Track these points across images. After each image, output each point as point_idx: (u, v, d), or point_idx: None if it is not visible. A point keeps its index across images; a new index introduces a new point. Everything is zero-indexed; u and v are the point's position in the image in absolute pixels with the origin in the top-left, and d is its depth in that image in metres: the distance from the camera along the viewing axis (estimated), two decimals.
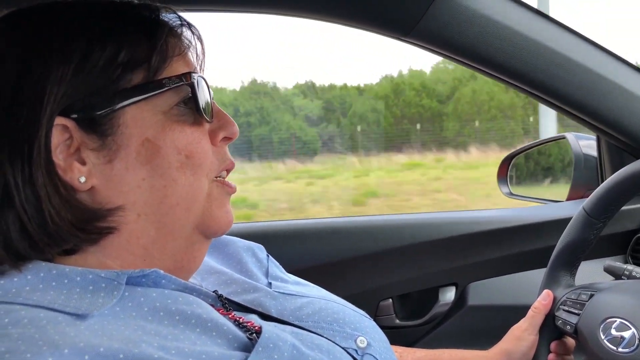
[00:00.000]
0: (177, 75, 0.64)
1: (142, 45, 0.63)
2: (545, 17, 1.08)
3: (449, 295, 1.45)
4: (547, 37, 1.07)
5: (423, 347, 1.40)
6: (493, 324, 1.29)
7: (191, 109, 0.66)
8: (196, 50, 0.72)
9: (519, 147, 1.88)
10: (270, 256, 0.92)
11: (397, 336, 1.44)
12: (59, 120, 0.58)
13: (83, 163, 0.60)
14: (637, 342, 0.77)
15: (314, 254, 1.40)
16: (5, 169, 0.57)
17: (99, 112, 0.60)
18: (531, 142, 1.83)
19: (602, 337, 0.81)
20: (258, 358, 0.56)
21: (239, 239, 0.93)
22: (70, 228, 0.58)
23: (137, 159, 0.62)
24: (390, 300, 1.44)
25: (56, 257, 0.61)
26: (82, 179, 0.60)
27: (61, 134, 0.59)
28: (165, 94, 0.63)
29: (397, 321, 1.44)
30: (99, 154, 0.61)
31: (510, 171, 1.90)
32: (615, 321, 0.81)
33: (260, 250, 0.92)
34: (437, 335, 1.43)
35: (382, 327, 1.40)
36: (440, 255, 1.43)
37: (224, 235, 0.91)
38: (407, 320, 1.45)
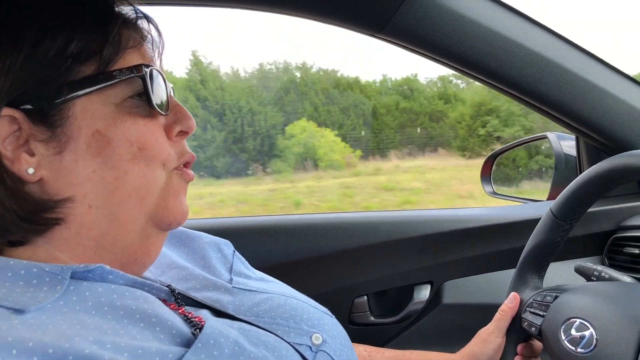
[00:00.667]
0: (128, 67, 0.63)
1: (95, 37, 0.62)
2: (521, 14, 1.08)
3: (423, 293, 1.45)
4: (522, 35, 1.07)
5: (397, 345, 1.41)
6: (468, 322, 1.29)
7: (145, 101, 0.65)
8: (153, 43, 0.71)
9: (501, 146, 1.88)
10: (236, 252, 0.91)
11: (372, 333, 1.44)
12: (7, 112, 0.58)
13: (32, 154, 0.60)
14: (594, 342, 0.76)
15: (288, 250, 1.39)
16: None
17: (48, 104, 0.59)
18: (513, 142, 1.83)
19: (563, 337, 0.81)
20: (197, 353, 0.56)
21: (205, 234, 0.92)
22: (14, 219, 0.58)
23: (87, 151, 0.61)
24: (365, 297, 1.43)
25: (5, 249, 0.60)
26: (31, 170, 0.59)
27: (10, 125, 0.58)
28: (117, 86, 0.62)
29: (372, 318, 1.43)
30: (48, 145, 0.60)
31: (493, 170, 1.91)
32: (576, 321, 0.81)
33: (226, 246, 0.92)
34: (412, 333, 1.43)
35: (357, 325, 1.42)
36: (416, 253, 1.43)
37: (191, 231, 0.91)
38: (382, 318, 1.44)
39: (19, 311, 0.52)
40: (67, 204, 0.61)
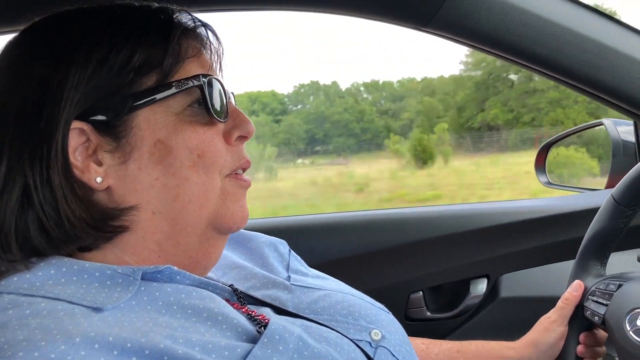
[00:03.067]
0: (186, 78, 0.65)
1: (155, 48, 0.65)
2: None
3: (480, 287, 1.43)
4: (573, 20, 1.04)
5: (454, 340, 1.40)
6: (526, 316, 1.27)
7: (203, 109, 0.67)
8: (212, 50, 0.73)
9: (555, 135, 1.84)
10: (292, 251, 0.93)
11: (429, 329, 1.43)
12: (76, 124, 0.61)
13: (99, 164, 0.63)
14: None
15: (342, 247, 1.40)
16: (25, 170, 0.60)
17: (113, 116, 0.62)
18: (568, 130, 1.79)
19: (628, 328, 0.79)
20: (263, 348, 0.58)
21: (261, 234, 0.94)
22: (85, 227, 0.61)
23: (150, 159, 0.64)
24: (421, 292, 1.43)
25: (76, 253, 0.64)
26: (99, 179, 0.62)
27: (79, 137, 0.62)
28: (177, 95, 0.65)
29: (429, 313, 1.43)
30: (113, 155, 0.63)
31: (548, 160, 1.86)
32: None
33: (282, 245, 0.94)
34: (469, 328, 1.42)
35: (413, 320, 1.42)
36: (472, 247, 1.42)
37: (247, 231, 0.93)
38: (439, 313, 1.44)
39: (97, 309, 0.56)
40: (133, 212, 0.64)
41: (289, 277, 0.84)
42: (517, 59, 1.09)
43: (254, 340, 0.60)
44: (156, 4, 0.70)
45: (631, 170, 0.92)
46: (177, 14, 0.70)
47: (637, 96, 1.15)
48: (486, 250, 1.42)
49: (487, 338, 1.35)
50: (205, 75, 0.67)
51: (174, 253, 0.67)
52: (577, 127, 1.76)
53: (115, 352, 0.50)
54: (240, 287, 0.76)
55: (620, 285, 0.87)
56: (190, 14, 0.72)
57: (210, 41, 0.73)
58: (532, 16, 1.01)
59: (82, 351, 0.48)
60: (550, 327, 0.96)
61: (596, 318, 0.89)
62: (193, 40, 0.70)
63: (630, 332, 0.79)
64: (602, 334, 0.96)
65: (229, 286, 0.73)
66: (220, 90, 0.70)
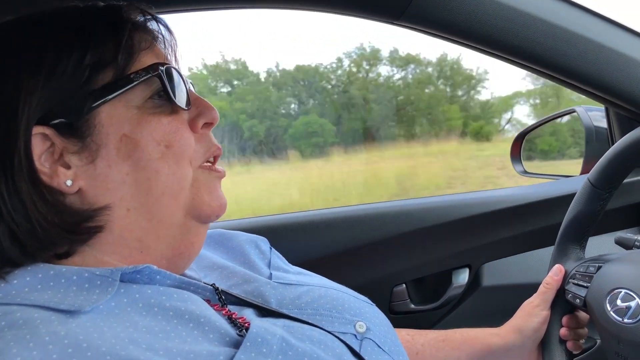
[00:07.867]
0: (143, 68, 0.65)
1: (108, 45, 0.64)
2: None
3: (462, 277, 1.44)
4: (542, 9, 1.06)
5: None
6: (509, 303, 1.28)
7: (165, 99, 0.67)
8: (165, 41, 0.73)
9: (530, 124, 1.86)
10: (273, 248, 0.93)
11: (413, 321, 1.44)
12: (38, 129, 0.60)
13: (67, 167, 0.62)
14: None
15: (322, 245, 1.40)
16: None
17: (74, 116, 0.61)
18: (541, 119, 1.81)
19: (609, 308, 0.81)
20: (247, 352, 0.57)
21: (242, 232, 0.94)
22: (59, 231, 0.60)
23: (118, 155, 0.63)
24: (404, 285, 1.44)
25: (55, 260, 0.62)
26: (69, 182, 0.62)
27: (43, 142, 0.61)
28: (136, 88, 0.65)
29: (412, 306, 1.44)
30: (80, 156, 0.62)
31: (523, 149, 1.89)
32: (621, 292, 0.80)
33: (263, 242, 0.93)
34: (453, 318, 1.43)
35: (397, 313, 1.43)
36: (452, 238, 1.43)
37: (228, 231, 0.93)
38: (422, 305, 1.45)
39: (75, 313, 0.54)
40: (106, 211, 0.63)
41: (271, 274, 0.83)
42: (490, 50, 1.10)
43: (235, 344, 0.59)
44: (101, 3, 0.70)
45: (606, 153, 0.93)
46: (126, 10, 0.69)
47: (607, 82, 1.17)
48: (466, 240, 1.43)
49: (471, 327, 1.37)
50: (162, 64, 0.66)
51: (156, 247, 0.67)
52: (550, 115, 1.78)
53: None
54: (222, 285, 0.76)
55: (599, 267, 0.88)
56: (140, 9, 0.71)
57: (162, 34, 0.73)
58: (503, 6, 1.02)
59: None
60: (533, 312, 0.98)
61: (577, 300, 0.90)
62: (145, 33, 0.69)
63: (611, 312, 0.80)
64: (583, 315, 0.97)
65: (211, 285, 0.73)
66: (179, 78, 0.69)
